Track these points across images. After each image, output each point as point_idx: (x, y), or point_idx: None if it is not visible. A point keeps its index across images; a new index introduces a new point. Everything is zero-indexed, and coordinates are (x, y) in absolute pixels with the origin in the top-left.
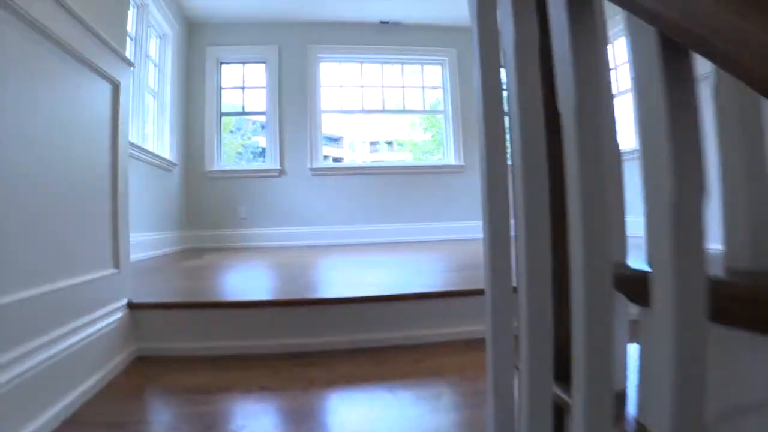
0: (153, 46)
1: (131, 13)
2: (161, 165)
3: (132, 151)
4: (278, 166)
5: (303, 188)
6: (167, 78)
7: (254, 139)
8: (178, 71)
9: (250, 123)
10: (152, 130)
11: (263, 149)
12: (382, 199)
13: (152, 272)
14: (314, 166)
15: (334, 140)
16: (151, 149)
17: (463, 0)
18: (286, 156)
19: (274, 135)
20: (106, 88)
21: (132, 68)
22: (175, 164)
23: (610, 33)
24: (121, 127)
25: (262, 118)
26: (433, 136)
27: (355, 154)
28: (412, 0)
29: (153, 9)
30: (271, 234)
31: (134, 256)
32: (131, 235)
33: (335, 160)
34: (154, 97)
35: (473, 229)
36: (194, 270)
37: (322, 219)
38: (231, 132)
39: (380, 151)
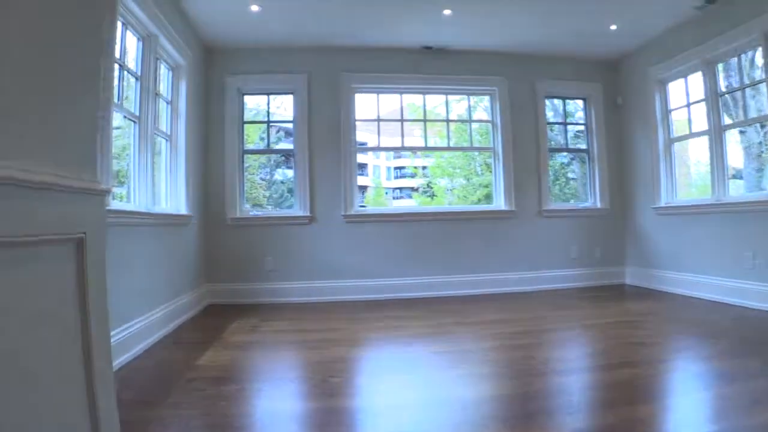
0: (163, 79)
1: (136, 46)
2: (175, 222)
3: (140, 219)
4: (308, 213)
5: (336, 237)
6: (181, 117)
7: (281, 172)
8: (194, 106)
9: (275, 158)
10: (165, 180)
11: (291, 188)
12: (424, 247)
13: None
14: (349, 212)
15: (359, 167)
16: (163, 205)
17: (516, 21)
18: (317, 200)
19: (303, 177)
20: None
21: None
22: (191, 216)
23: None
24: (92, 306)
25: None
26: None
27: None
28: (458, 23)
29: (163, 40)
30: (301, 288)
31: (144, 343)
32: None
33: (360, 188)
34: (166, 140)
35: (524, 281)
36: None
37: (357, 271)
38: (256, 165)
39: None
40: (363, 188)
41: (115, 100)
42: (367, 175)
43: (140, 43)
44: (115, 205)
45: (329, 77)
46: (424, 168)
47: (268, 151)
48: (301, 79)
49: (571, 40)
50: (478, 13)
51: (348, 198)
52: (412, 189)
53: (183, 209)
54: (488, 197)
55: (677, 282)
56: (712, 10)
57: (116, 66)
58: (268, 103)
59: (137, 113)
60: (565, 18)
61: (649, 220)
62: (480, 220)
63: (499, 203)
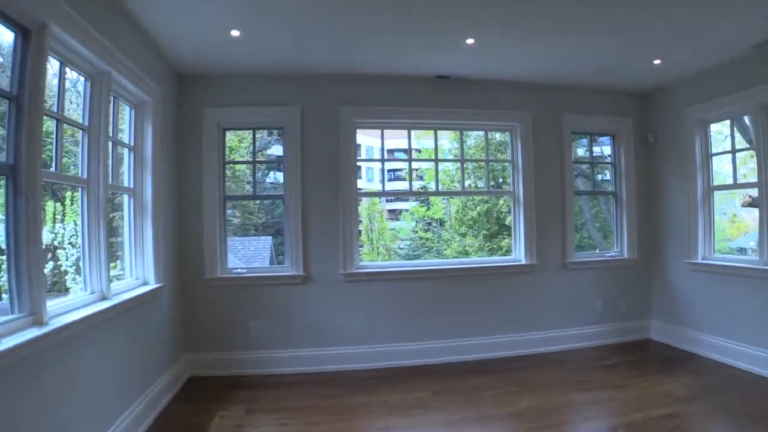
0: (124, 120)
1: (84, 88)
2: (142, 301)
3: (87, 324)
4: (301, 271)
5: (334, 298)
6: (147, 165)
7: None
8: (164, 149)
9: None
10: (128, 246)
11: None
12: (434, 308)
13: None
14: (348, 270)
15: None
16: (126, 280)
17: (547, 51)
18: (311, 256)
19: (295, 229)
20: None
21: None
22: (163, 285)
23: None
24: None
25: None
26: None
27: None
28: (481, 52)
29: (118, 77)
30: (292, 358)
31: None
32: None
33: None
34: (129, 197)
35: (546, 341)
36: None
37: (360, 337)
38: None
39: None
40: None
41: (52, 169)
42: (360, 178)
43: (87, 83)
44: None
45: (326, 110)
46: (420, 176)
47: (253, 197)
48: (292, 112)
49: (606, 72)
50: (506, 43)
51: (348, 253)
52: (408, 192)
53: (152, 280)
54: (488, 212)
55: (711, 346)
56: None
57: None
58: (254, 141)
59: (85, 175)
60: (604, 49)
61: (681, 275)
62: (498, 276)
63: (519, 256)
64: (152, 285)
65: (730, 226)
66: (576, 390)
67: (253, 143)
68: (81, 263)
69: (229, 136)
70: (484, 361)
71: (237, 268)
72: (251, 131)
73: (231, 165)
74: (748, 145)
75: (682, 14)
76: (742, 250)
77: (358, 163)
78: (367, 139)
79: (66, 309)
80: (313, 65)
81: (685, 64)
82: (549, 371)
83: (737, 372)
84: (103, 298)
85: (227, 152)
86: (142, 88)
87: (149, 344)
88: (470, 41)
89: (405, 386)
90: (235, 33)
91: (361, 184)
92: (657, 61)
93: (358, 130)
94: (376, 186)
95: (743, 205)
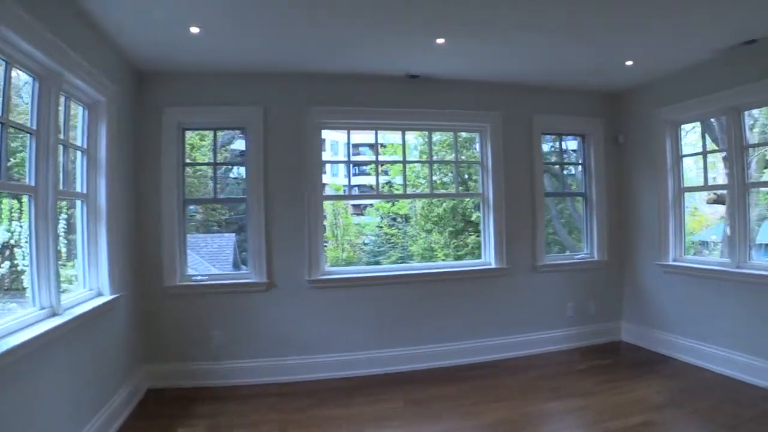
0: (78, 122)
1: (32, 89)
2: (96, 314)
3: (34, 346)
4: (264, 278)
5: (300, 305)
6: (101, 168)
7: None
8: (119, 151)
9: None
10: (81, 254)
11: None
12: (404, 313)
13: None
14: (314, 276)
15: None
16: (80, 291)
17: (520, 51)
18: (275, 262)
19: (257, 233)
20: None
21: None
22: (119, 296)
23: None
24: None
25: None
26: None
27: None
28: (452, 52)
29: (71, 77)
30: (258, 368)
31: None
32: None
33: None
34: (82, 203)
35: (517, 345)
36: None
37: (327, 345)
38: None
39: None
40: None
41: None
42: (324, 173)
43: (35, 84)
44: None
45: (291, 110)
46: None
47: (214, 200)
48: (255, 113)
49: (577, 72)
50: (477, 43)
51: (314, 258)
52: (371, 188)
53: (107, 291)
54: (454, 209)
55: (683, 348)
56: (744, 54)
57: None
58: (215, 141)
59: (32, 182)
60: (576, 50)
61: (652, 277)
62: (467, 280)
63: (489, 259)
64: (107, 296)
65: (692, 220)
66: (549, 398)
67: (214, 144)
68: (29, 277)
69: (190, 134)
70: (455, 367)
71: (197, 275)
72: (212, 131)
73: (193, 162)
74: (716, 147)
75: (655, 17)
76: (704, 244)
77: (336, 163)
78: (331, 134)
79: (9, 330)
80: (278, 64)
81: (657, 66)
82: (521, 378)
83: (710, 375)
84: (54, 314)
85: (188, 150)
86: (96, 87)
87: (105, 358)
88: (440, 41)
89: (376, 397)
90: (194, 30)
91: (326, 179)
92: (629, 63)
93: (324, 130)
94: (341, 181)
95: (708, 203)
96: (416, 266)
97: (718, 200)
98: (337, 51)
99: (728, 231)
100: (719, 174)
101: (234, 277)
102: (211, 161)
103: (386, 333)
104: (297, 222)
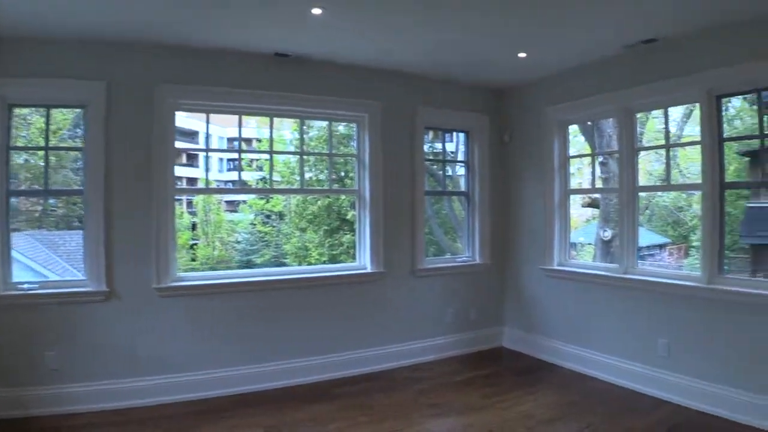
0: None
1: None
2: None
3: None
4: (103, 286)
5: (147, 318)
6: None
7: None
8: None
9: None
10: None
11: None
12: (270, 323)
13: None
14: (164, 283)
15: (187, 135)
16: None
17: (405, 33)
18: (116, 267)
19: (95, 232)
20: None
21: None
22: None
23: None
24: None
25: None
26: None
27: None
28: (329, 26)
29: None
30: (101, 393)
31: None
32: None
33: (190, 182)
34: None
35: (395, 355)
36: None
37: (182, 363)
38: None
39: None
40: (193, 180)
41: None
42: (197, 167)
43: None
44: None
45: (140, 87)
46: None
47: (45, 192)
48: (96, 88)
49: (466, 63)
50: (358, 18)
51: (162, 262)
52: (233, 190)
53: None
54: (329, 207)
55: (568, 355)
56: (642, 54)
57: None
58: (48, 122)
59: None
60: (469, 37)
61: (536, 281)
62: (342, 285)
63: (365, 263)
64: None
65: None
66: (430, 415)
67: (47, 124)
68: None
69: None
70: (329, 382)
71: (25, 283)
72: (46, 109)
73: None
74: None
75: (550, 7)
76: (572, 245)
77: (196, 152)
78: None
79: None
80: (124, 32)
81: (550, 61)
82: (400, 393)
83: (597, 384)
84: None
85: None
86: None
87: None
88: (317, 11)
89: (234, 421)
90: None
91: (198, 173)
92: (522, 55)
93: (183, 114)
94: (215, 176)
95: (583, 206)
96: (284, 271)
97: (593, 204)
98: (194, 19)
99: (602, 234)
100: (586, 178)
101: (68, 285)
102: (43, 146)
103: (252, 346)
104: (144, 220)
